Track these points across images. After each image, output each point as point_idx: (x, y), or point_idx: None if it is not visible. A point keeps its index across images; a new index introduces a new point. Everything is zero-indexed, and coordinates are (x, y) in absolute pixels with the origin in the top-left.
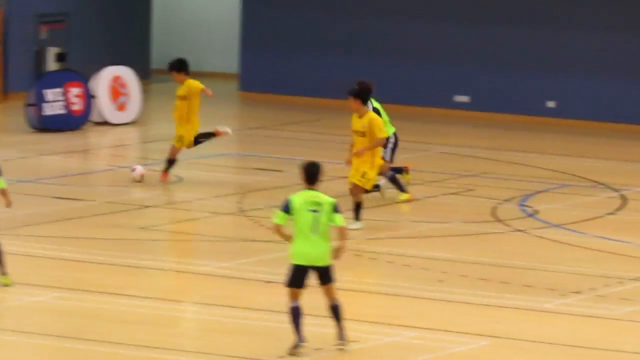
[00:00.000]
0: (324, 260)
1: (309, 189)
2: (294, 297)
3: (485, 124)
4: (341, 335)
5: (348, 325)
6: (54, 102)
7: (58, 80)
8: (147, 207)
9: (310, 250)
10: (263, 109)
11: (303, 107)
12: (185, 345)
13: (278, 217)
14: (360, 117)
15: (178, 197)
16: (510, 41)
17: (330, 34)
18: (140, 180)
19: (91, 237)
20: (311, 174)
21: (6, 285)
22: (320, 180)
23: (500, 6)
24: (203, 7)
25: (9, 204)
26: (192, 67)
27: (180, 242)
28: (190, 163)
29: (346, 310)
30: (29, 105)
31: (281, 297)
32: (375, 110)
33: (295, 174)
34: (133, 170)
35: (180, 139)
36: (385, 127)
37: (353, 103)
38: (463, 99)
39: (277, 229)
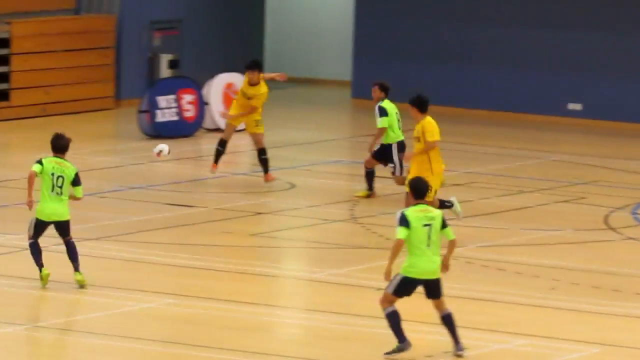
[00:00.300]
0: (436, 274)
1: (418, 203)
2: (392, 303)
3: (598, 132)
4: (458, 345)
5: (459, 332)
6: (167, 108)
7: (171, 87)
8: (259, 214)
9: (425, 264)
10: (374, 116)
11: None
12: (295, 351)
13: (401, 233)
14: (417, 123)
15: (290, 204)
16: (622, 49)
17: (443, 41)
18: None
19: (202, 244)
20: (419, 189)
21: (81, 284)
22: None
23: (614, 14)
24: (316, 14)
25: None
26: (305, 73)
27: (292, 248)
28: (302, 170)
29: (456, 318)
30: (142, 112)
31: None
32: (383, 110)
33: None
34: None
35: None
36: (394, 131)
37: (411, 111)
38: (576, 106)
39: (401, 245)
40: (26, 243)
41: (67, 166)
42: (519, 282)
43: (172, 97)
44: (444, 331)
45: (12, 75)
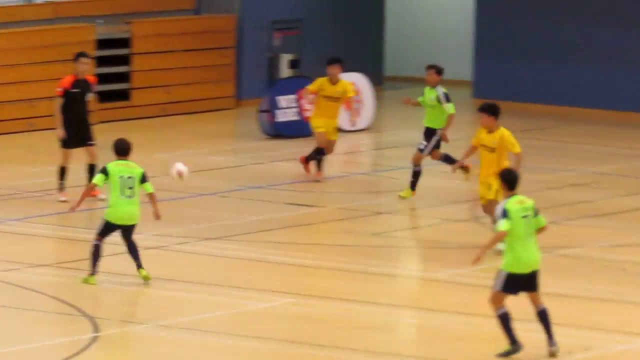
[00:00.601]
0: (538, 264)
1: (512, 195)
2: (502, 302)
3: None
4: (552, 341)
5: (581, 333)
6: (287, 108)
7: (291, 86)
8: (380, 213)
9: (528, 256)
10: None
11: (536, 114)
12: (415, 351)
13: (504, 225)
14: (491, 132)
15: (410, 204)
16: None
17: (563, 41)
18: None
19: (323, 243)
20: (511, 181)
21: (146, 279)
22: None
23: None
24: (437, 14)
25: (157, 216)
26: (425, 73)
27: (412, 248)
28: (424, 170)
29: (579, 318)
30: (262, 111)
31: (512, 303)
32: (447, 95)
33: (530, 182)
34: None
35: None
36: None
37: (485, 119)
38: None
39: (503, 236)
40: (156, 242)
41: (134, 166)
42: None
43: (292, 97)
44: (562, 331)
45: (132, 75)
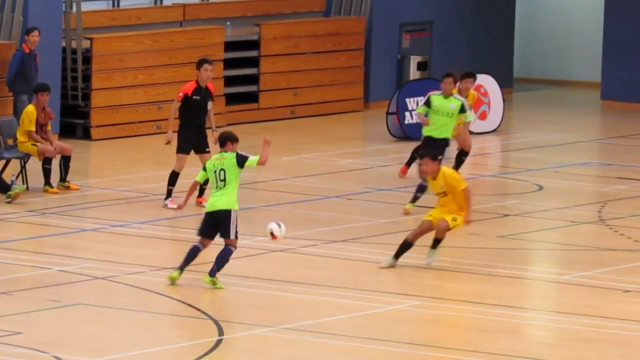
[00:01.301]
0: None
1: None
2: None
3: None
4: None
5: None
6: (415, 110)
7: (420, 88)
8: (506, 215)
9: None
10: (625, 118)
11: None
12: (543, 353)
13: None
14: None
15: (537, 206)
16: None
17: None
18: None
19: (451, 246)
20: None
21: (213, 283)
22: None
23: None
24: (566, 16)
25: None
26: (555, 75)
27: (539, 250)
28: (550, 172)
29: None
30: (390, 113)
31: (639, 306)
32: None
33: None
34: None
35: None
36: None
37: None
38: None
39: None
40: (283, 245)
41: (227, 156)
42: None
43: (420, 98)
44: None
45: (261, 78)
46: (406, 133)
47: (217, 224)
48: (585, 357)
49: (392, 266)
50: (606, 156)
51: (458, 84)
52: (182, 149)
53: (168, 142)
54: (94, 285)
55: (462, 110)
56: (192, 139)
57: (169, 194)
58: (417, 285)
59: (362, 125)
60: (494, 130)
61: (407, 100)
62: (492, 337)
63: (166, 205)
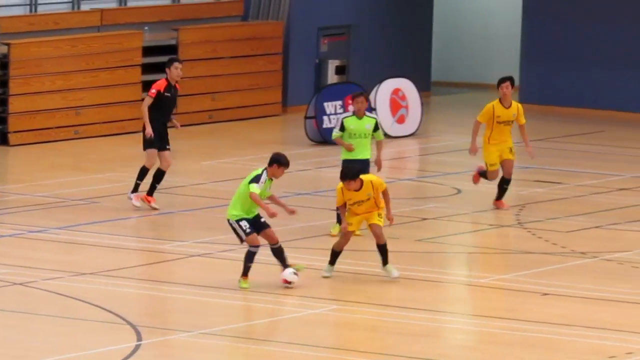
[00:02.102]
0: None
1: None
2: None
3: None
4: None
5: (624, 337)
6: (334, 114)
7: (338, 93)
8: (425, 219)
9: None
10: (544, 121)
11: (583, 119)
12: (463, 357)
13: None
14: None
15: (455, 209)
16: None
17: (611, 45)
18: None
19: (370, 250)
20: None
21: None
22: None
23: None
24: (484, 19)
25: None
26: (472, 78)
27: (457, 254)
28: (468, 175)
29: (623, 323)
30: (309, 118)
31: (557, 309)
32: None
33: (577, 186)
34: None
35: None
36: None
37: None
38: None
39: None
40: (201, 249)
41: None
42: None
43: (339, 103)
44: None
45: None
46: (324, 137)
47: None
48: (503, 359)
49: (330, 273)
50: (524, 159)
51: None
52: (153, 143)
53: (150, 136)
54: (12, 291)
55: (376, 128)
56: (159, 135)
57: (135, 188)
58: (335, 289)
59: (280, 130)
60: (412, 134)
61: (326, 104)
62: (411, 340)
63: (130, 199)
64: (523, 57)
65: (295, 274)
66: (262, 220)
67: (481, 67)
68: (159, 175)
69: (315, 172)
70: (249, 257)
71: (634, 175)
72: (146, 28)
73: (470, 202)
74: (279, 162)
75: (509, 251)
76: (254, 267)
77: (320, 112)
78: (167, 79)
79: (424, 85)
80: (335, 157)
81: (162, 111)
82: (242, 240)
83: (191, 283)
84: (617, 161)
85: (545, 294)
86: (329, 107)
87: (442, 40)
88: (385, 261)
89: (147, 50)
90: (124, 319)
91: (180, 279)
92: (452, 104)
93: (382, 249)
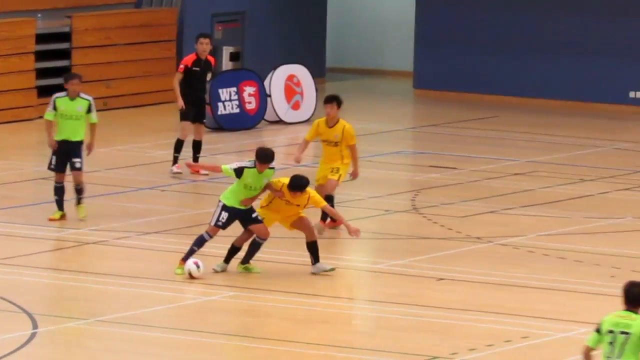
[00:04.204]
0: None
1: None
2: None
3: None
4: None
5: (520, 321)
6: (229, 101)
7: (232, 79)
8: None
9: None
10: (438, 107)
11: (478, 104)
12: (360, 343)
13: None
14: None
15: (352, 195)
16: None
17: (504, 31)
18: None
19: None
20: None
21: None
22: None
23: None
24: (378, 5)
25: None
26: (367, 65)
27: (354, 240)
28: (364, 161)
29: (519, 306)
30: None
31: (453, 294)
32: None
33: (471, 171)
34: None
35: None
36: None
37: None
38: (639, 94)
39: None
40: (96, 237)
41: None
42: (579, 271)
43: (233, 89)
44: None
45: (73, 70)
46: (219, 123)
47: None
48: (401, 345)
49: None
50: (419, 145)
51: None
52: (186, 115)
53: (182, 108)
54: None
55: (90, 110)
56: (191, 109)
57: (175, 160)
58: (231, 276)
59: (175, 117)
60: (307, 120)
61: (220, 90)
62: (307, 327)
63: (172, 170)
64: (417, 43)
65: (198, 267)
66: (254, 215)
67: (375, 53)
68: (197, 146)
69: (211, 158)
70: (199, 242)
71: (528, 160)
72: (39, 15)
73: (366, 187)
74: (257, 158)
75: (405, 237)
76: (147, 253)
77: (215, 99)
78: (196, 53)
79: (319, 72)
80: (231, 143)
81: (192, 85)
82: (210, 223)
83: (87, 270)
84: (512, 146)
85: (441, 279)
86: (224, 93)
87: (336, 26)
88: (315, 260)
89: (40, 38)
90: (19, 307)
91: (76, 267)
92: (346, 90)
93: (314, 249)
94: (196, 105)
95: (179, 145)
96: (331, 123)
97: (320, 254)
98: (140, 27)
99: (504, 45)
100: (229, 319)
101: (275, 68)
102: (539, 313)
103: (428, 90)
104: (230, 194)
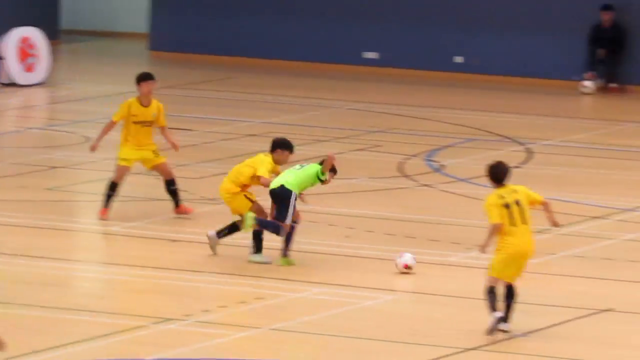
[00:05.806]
0: None
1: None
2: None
3: (394, 81)
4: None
5: (253, 282)
6: None
7: None
8: (54, 167)
9: None
10: (173, 68)
11: (212, 65)
12: (93, 305)
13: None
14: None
15: (85, 157)
16: None
17: None
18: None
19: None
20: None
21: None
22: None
23: None
24: None
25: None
26: (102, 27)
27: (88, 202)
28: (99, 123)
29: (253, 269)
30: None
31: (187, 255)
32: None
33: (207, 133)
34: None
35: None
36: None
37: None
38: (372, 55)
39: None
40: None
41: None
42: (314, 231)
43: None
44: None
45: None
46: None
47: None
48: (136, 307)
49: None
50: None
51: None
52: None
53: None
54: None
55: None
56: None
57: None
58: None
59: None
60: (41, 83)
61: None
62: (40, 289)
63: None
64: (153, 5)
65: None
66: None
67: (109, 16)
68: None
69: None
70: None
71: (262, 121)
72: None
73: (100, 149)
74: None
75: (139, 198)
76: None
77: None
78: None
79: (53, 34)
80: None
81: None
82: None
83: None
84: (246, 107)
85: (175, 241)
86: None
87: None
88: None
89: None
90: None
91: None
92: (82, 53)
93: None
94: None
95: None
96: (146, 102)
97: (54, 215)
98: None
99: (239, 7)
100: None
101: (7, 30)
102: (273, 274)
103: (163, 52)
104: (296, 182)
